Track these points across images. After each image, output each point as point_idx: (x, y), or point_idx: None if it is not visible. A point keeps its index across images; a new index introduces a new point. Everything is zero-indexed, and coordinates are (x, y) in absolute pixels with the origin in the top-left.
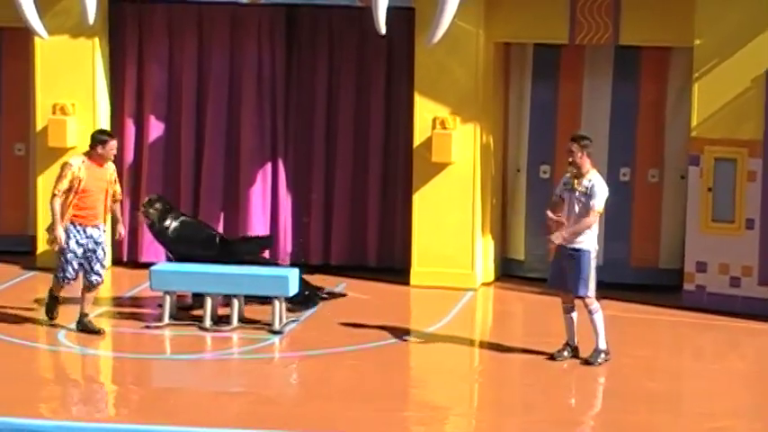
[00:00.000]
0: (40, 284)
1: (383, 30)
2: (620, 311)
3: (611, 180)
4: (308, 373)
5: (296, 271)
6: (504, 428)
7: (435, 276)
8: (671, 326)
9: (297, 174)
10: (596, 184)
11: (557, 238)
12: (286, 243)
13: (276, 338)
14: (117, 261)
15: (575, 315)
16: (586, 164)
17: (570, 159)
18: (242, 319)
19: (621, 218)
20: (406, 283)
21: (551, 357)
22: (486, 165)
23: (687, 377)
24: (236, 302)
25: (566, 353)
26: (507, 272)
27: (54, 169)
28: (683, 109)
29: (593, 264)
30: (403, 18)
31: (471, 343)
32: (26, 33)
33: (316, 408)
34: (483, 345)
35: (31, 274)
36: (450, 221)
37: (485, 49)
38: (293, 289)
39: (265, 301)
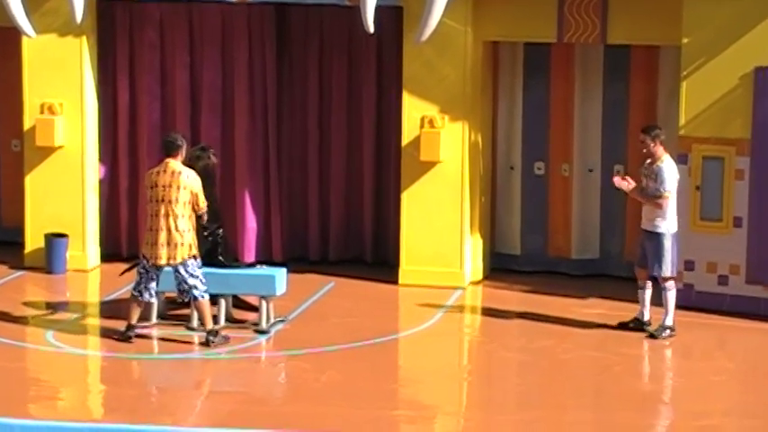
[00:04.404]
0: (28, 284)
1: (371, 29)
2: (609, 310)
3: (605, 178)
4: (297, 373)
5: (283, 270)
6: (493, 427)
7: (424, 275)
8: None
9: (291, 172)
10: (664, 168)
11: (621, 183)
12: (278, 242)
13: (263, 338)
14: (115, 256)
15: (648, 292)
16: (659, 151)
17: (644, 150)
18: (230, 320)
19: (615, 214)
20: (396, 281)
21: (621, 325)
22: (475, 163)
23: (676, 375)
24: (222, 302)
25: (631, 324)
26: (502, 266)
27: (42, 168)
28: (673, 107)
29: (668, 245)
30: (392, 17)
31: (460, 341)
32: (16, 32)
33: (305, 407)
34: (472, 343)
35: (19, 273)
36: (439, 220)
37: (473, 48)
38: (280, 288)
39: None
